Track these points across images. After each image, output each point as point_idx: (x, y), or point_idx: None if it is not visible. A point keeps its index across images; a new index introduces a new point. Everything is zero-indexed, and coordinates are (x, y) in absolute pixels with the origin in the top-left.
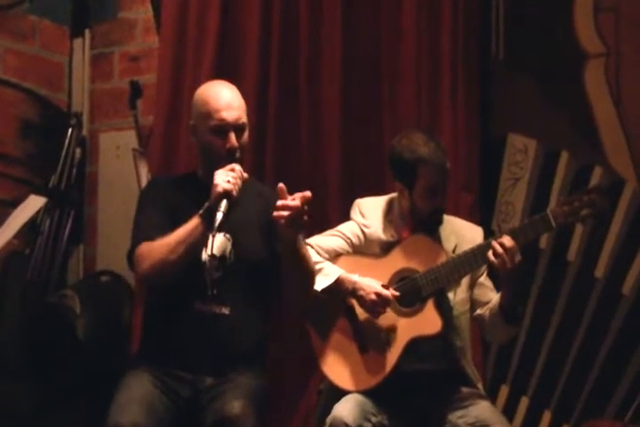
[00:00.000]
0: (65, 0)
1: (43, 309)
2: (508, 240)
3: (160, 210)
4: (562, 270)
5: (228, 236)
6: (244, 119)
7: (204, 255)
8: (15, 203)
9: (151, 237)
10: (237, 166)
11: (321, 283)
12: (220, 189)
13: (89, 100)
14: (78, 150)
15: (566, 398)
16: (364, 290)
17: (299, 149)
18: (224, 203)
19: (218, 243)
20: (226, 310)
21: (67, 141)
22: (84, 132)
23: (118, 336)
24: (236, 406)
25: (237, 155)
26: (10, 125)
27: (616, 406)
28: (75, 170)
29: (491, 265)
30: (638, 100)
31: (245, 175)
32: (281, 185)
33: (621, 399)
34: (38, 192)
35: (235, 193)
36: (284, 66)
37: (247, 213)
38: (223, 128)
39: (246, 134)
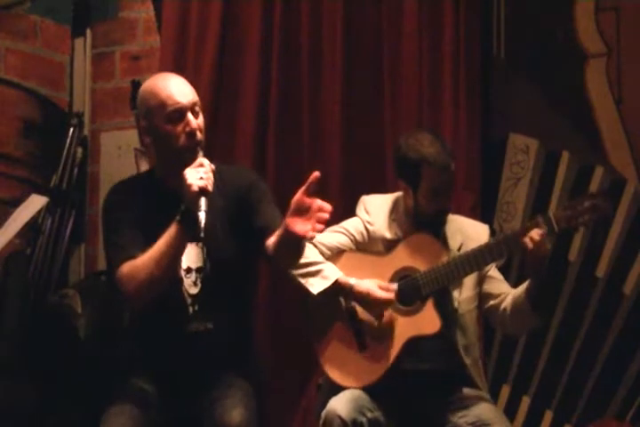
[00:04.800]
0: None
1: (44, 308)
2: (540, 226)
3: (130, 224)
4: (563, 270)
5: (200, 245)
6: (198, 102)
7: (180, 271)
8: (16, 202)
9: (132, 256)
10: (205, 160)
11: (318, 286)
12: (195, 188)
13: (90, 100)
14: (80, 150)
15: (568, 398)
16: (362, 294)
17: (300, 148)
18: (203, 201)
19: (192, 255)
20: (209, 325)
21: (68, 141)
22: (86, 131)
23: (119, 336)
24: (235, 415)
25: (198, 136)
26: (11, 125)
27: (617, 405)
28: (76, 170)
29: (523, 253)
30: (639, 99)
31: (213, 166)
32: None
33: (623, 399)
34: (40, 192)
35: (210, 188)
36: (285, 65)
37: (213, 210)
38: (180, 112)
39: (202, 118)
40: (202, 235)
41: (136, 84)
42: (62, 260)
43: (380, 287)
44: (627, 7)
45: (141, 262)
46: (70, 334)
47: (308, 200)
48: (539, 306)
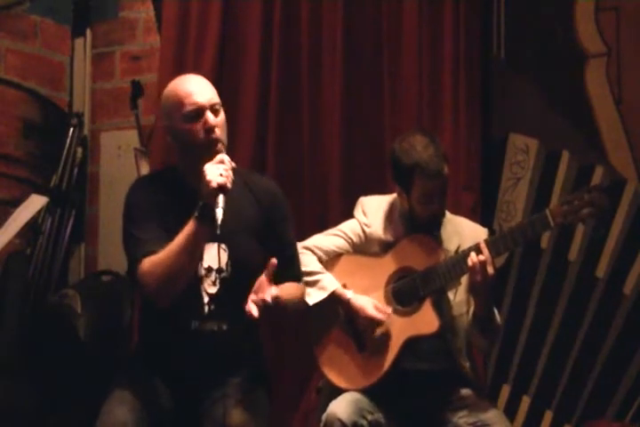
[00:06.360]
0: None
1: (44, 308)
2: (483, 251)
3: (152, 220)
4: (563, 270)
5: (223, 246)
6: (218, 100)
7: (201, 269)
8: (16, 202)
9: (152, 252)
10: (225, 157)
11: (314, 297)
12: (214, 184)
13: (90, 100)
14: (80, 150)
15: (568, 398)
16: (356, 312)
17: (300, 149)
18: (221, 198)
19: (214, 255)
20: (223, 326)
21: (68, 141)
22: (86, 131)
23: (119, 336)
24: (234, 416)
25: (217, 133)
26: (11, 125)
27: (617, 405)
28: (76, 170)
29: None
30: (639, 99)
31: (234, 164)
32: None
33: (623, 399)
34: (39, 192)
35: (229, 186)
36: (285, 65)
37: (237, 214)
38: (198, 111)
39: (222, 115)
40: (218, 232)
41: (136, 84)
42: (62, 260)
43: (375, 307)
44: (627, 7)
45: (160, 258)
46: (70, 334)
47: (267, 286)
48: (485, 329)
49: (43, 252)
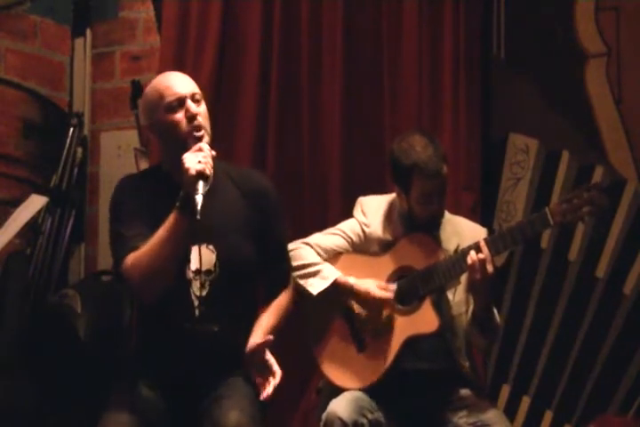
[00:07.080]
0: None
1: (44, 308)
2: (482, 249)
3: (137, 217)
4: (563, 270)
5: (210, 247)
6: (198, 91)
7: (189, 272)
8: (16, 202)
9: (136, 248)
10: (204, 145)
11: (318, 286)
12: (192, 171)
13: (90, 100)
14: (79, 150)
15: (568, 398)
16: (361, 293)
17: (300, 149)
18: (201, 184)
19: (201, 256)
20: (215, 327)
21: (68, 141)
22: (86, 131)
23: (119, 336)
24: (232, 417)
25: (199, 121)
26: (11, 125)
27: (617, 405)
28: (76, 169)
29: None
30: (639, 99)
31: (213, 153)
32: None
33: (623, 399)
34: (39, 192)
35: (208, 172)
36: (285, 65)
37: (224, 212)
38: (179, 101)
39: (204, 106)
40: (198, 217)
41: (136, 84)
42: (62, 260)
43: (379, 287)
44: (627, 7)
45: (144, 251)
46: (70, 334)
47: (262, 355)
48: (484, 329)
49: (43, 252)
